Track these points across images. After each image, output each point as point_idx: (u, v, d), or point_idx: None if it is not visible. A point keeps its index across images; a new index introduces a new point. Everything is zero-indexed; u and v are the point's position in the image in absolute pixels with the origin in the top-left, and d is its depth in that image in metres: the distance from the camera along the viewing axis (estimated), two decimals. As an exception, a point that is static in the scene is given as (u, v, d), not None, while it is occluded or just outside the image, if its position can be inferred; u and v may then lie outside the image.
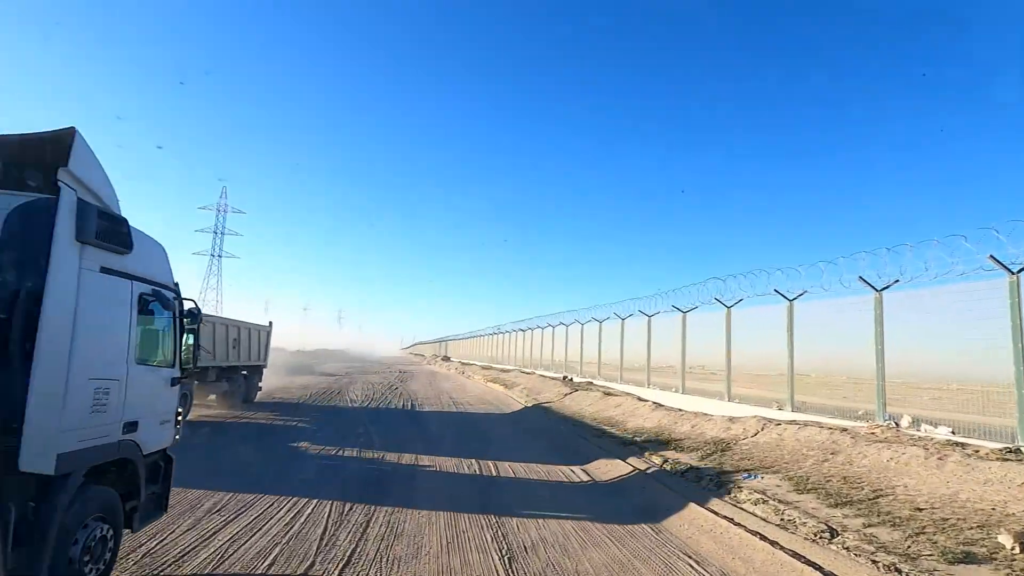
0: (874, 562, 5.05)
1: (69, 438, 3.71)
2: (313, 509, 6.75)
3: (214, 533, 5.77)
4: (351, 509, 6.81)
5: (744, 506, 7.28)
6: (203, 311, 6.58)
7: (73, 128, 3.94)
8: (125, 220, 4.42)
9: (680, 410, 14.38)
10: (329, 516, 6.51)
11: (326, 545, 5.61)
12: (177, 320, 5.39)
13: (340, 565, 5.14)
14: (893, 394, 10.52)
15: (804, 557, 5.30)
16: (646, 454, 10.85)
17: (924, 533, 5.68)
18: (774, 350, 14.09)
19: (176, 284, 5.31)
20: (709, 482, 8.49)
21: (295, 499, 7.11)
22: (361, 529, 6.14)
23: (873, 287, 10.13)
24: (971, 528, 5.72)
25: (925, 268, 8.85)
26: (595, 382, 22.61)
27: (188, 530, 5.81)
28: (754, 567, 5.39)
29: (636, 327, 20.91)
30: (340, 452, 10.50)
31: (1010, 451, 7.49)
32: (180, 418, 5.44)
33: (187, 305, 5.70)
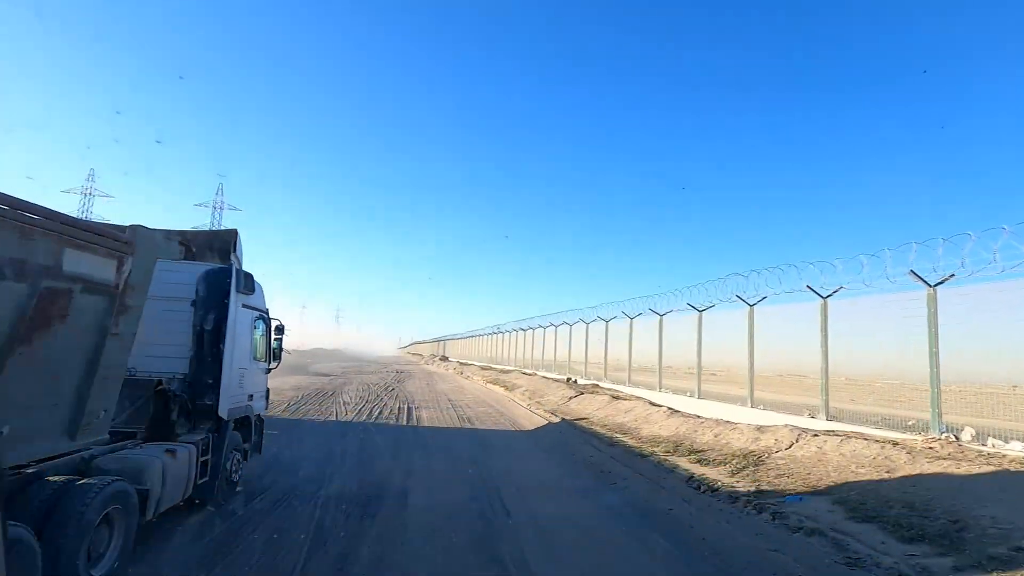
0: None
1: (230, 401, 6.73)
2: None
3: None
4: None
5: (796, 536, 6.19)
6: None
7: (236, 230, 7.28)
8: (252, 275, 7.25)
9: (698, 416, 13.27)
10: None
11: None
12: (270, 333, 8.24)
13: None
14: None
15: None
16: (666, 467, 9.75)
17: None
18: (799, 351, 13.06)
19: (267, 309, 8.07)
20: (746, 505, 7.39)
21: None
22: None
23: (926, 282, 9.03)
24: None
25: (994, 258, 7.72)
26: (601, 384, 21.50)
27: None
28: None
29: (645, 327, 19.82)
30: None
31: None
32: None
33: (275, 323, 8.41)
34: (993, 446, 7.75)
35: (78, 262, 4.00)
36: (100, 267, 4.28)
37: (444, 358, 63.25)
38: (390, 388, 25.27)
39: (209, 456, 6.33)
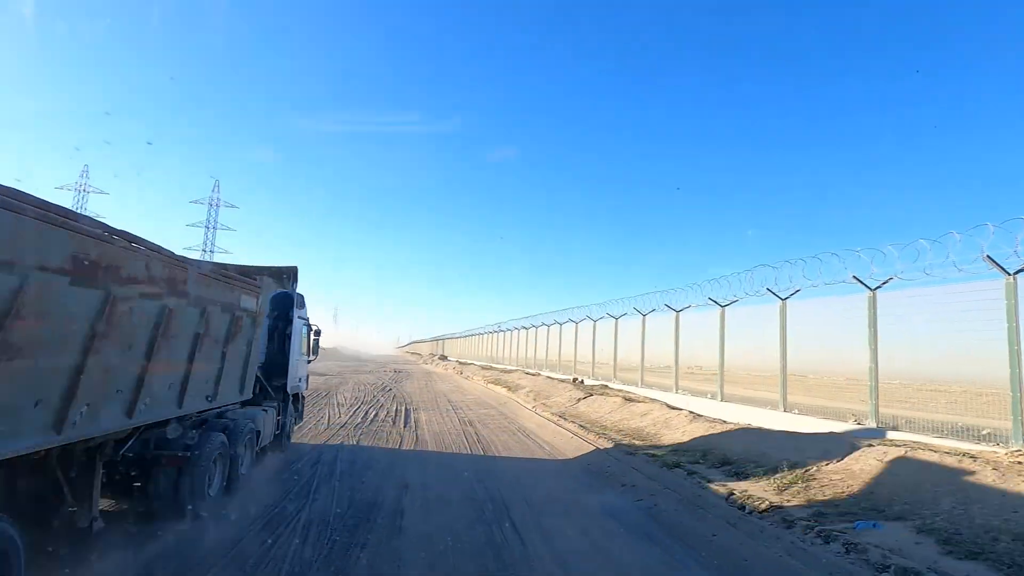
0: None
1: (292, 381, 9.58)
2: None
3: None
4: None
5: (883, 577, 4.96)
6: None
7: (296, 267, 9.69)
8: (303, 295, 10.14)
9: (723, 421, 12.05)
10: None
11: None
12: (311, 334, 10.96)
13: None
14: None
15: None
16: (697, 480, 8.53)
17: None
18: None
19: (308, 317, 10.63)
20: (807, 531, 6.16)
21: None
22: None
23: (1004, 269, 7.81)
24: None
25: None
26: (610, 385, 20.26)
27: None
28: None
29: (658, 325, 18.60)
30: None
31: None
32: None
33: (314, 327, 11.11)
34: (1099, 462, 6.53)
35: (245, 301, 6.84)
36: (251, 302, 7.07)
37: (443, 357, 61.99)
38: (387, 389, 24.04)
39: (280, 417, 9.22)
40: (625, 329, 20.94)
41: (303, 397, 11.17)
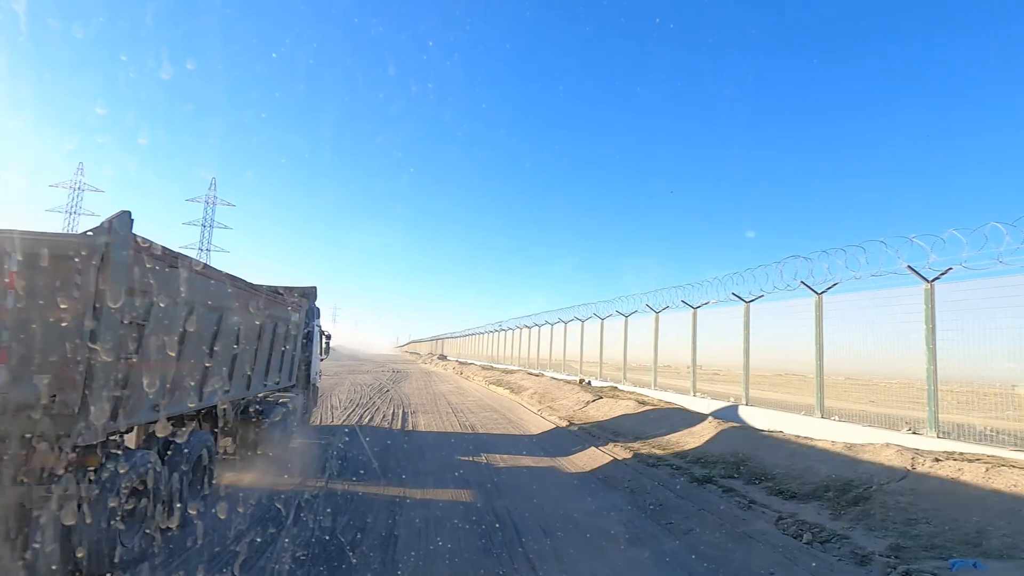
0: None
1: (313, 374, 12.65)
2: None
3: None
4: None
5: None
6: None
7: (316, 286, 12.37)
8: (319, 310, 13.27)
9: (754, 429, 10.90)
10: None
11: None
12: (323, 338, 13.99)
13: None
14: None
15: None
16: (737, 499, 7.39)
17: None
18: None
19: (320, 324, 13.61)
20: (889, 569, 5.01)
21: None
22: None
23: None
24: None
25: None
26: (620, 387, 19.10)
27: None
28: None
29: (670, 323, 17.45)
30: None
31: None
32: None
33: (326, 332, 14.27)
34: None
35: (294, 316, 10.03)
36: (297, 317, 10.30)
37: (443, 357, 60.83)
38: (384, 390, 22.89)
39: (305, 401, 11.71)
40: (635, 328, 19.80)
41: (319, 387, 14.68)
